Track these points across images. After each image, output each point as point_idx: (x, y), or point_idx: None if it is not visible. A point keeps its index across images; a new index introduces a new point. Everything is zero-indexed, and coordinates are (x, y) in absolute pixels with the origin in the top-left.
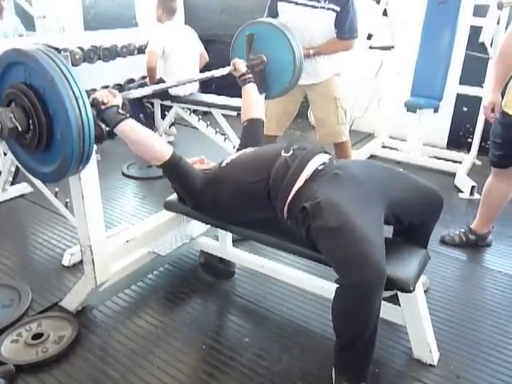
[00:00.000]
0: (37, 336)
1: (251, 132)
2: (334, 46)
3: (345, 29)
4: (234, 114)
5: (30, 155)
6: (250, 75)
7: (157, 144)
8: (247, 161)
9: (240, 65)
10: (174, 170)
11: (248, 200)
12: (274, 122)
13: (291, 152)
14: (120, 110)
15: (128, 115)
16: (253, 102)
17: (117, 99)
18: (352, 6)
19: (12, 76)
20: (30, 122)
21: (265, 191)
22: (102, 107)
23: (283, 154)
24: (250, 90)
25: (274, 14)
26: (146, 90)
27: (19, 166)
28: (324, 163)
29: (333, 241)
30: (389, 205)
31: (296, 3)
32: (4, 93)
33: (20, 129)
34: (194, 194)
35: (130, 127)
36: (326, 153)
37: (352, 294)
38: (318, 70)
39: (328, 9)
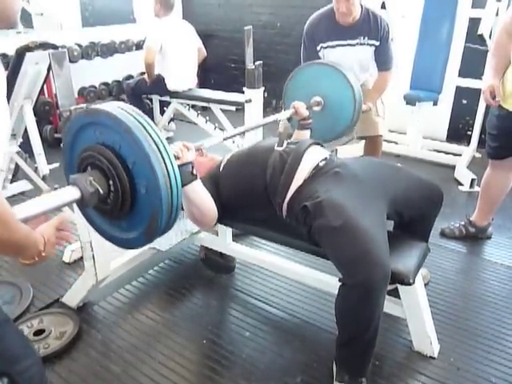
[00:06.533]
0: (38, 332)
1: None
2: (384, 81)
3: (387, 60)
4: (233, 108)
5: (113, 223)
6: (310, 121)
7: (212, 209)
8: (243, 159)
9: (302, 109)
10: None
11: (248, 199)
12: None
13: (285, 146)
14: (194, 170)
15: (198, 176)
16: None
17: (190, 154)
18: (389, 38)
19: (84, 140)
20: (111, 182)
21: (263, 187)
22: (177, 163)
23: (277, 148)
24: (305, 136)
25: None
26: (217, 139)
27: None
28: (325, 158)
29: (336, 240)
30: (390, 202)
31: (338, 45)
32: (79, 159)
33: (101, 191)
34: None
35: (197, 189)
36: (319, 144)
37: (357, 293)
38: (358, 80)
39: (368, 44)
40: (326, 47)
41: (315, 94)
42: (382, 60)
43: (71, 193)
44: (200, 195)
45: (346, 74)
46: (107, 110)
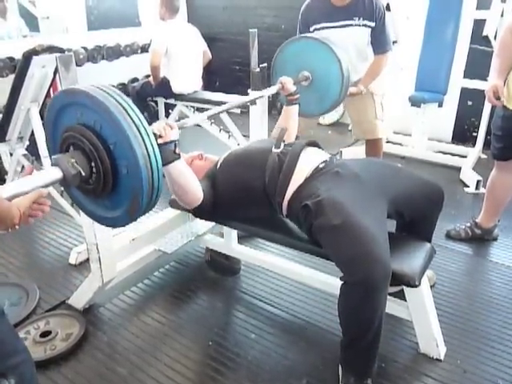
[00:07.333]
0: (45, 334)
1: None
2: (379, 65)
3: (383, 42)
4: (238, 111)
5: (96, 202)
6: (298, 96)
7: (195, 189)
8: (240, 160)
9: (289, 84)
10: (195, 211)
11: (246, 198)
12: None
13: (282, 147)
14: (177, 149)
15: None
16: (292, 126)
17: (174, 133)
18: (385, 19)
19: (65, 120)
20: (93, 164)
21: (262, 188)
22: (159, 141)
23: (274, 149)
24: (293, 112)
25: None
26: (201, 117)
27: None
28: (325, 161)
29: (336, 239)
30: (391, 201)
31: (332, 27)
32: (60, 139)
33: (83, 173)
34: (199, 207)
35: (180, 168)
36: (316, 145)
37: (357, 291)
38: (356, 71)
39: (363, 25)
40: (319, 29)
41: (303, 68)
42: (378, 42)
43: (53, 173)
44: (183, 174)
45: (334, 48)
46: (86, 91)
